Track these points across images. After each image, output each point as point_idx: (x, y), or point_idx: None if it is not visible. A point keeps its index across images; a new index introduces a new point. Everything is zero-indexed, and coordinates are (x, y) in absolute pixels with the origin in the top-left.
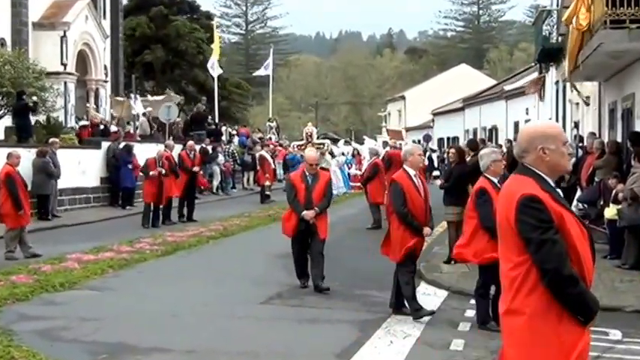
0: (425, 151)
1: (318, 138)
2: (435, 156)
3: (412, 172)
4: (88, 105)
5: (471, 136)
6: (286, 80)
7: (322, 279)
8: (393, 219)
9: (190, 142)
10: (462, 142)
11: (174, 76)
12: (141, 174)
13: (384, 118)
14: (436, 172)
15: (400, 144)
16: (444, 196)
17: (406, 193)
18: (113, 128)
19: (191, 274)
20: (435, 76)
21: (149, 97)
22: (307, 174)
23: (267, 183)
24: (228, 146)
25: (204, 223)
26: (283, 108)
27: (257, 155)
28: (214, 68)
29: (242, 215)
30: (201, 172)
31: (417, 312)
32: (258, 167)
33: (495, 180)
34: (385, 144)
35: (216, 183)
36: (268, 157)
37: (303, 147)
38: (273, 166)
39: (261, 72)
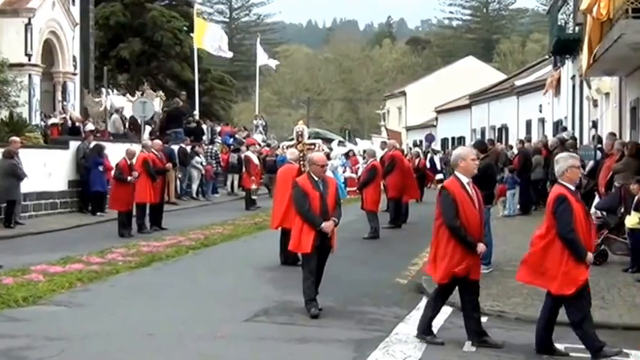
0: (426, 153)
1: (309, 137)
2: (437, 158)
3: (465, 180)
4: (63, 101)
5: (478, 136)
6: (274, 74)
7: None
8: (442, 233)
9: (157, 142)
10: (469, 143)
11: (151, 69)
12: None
13: (382, 116)
14: (439, 176)
15: (399, 144)
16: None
17: (459, 204)
18: (90, 126)
19: (168, 288)
20: (439, 69)
21: (129, 97)
22: (317, 179)
23: (254, 187)
24: (210, 146)
25: (183, 232)
26: (271, 104)
27: (242, 156)
28: (224, 50)
29: (225, 223)
30: (179, 176)
31: (425, 335)
32: (244, 170)
33: (572, 187)
34: (384, 144)
35: (194, 187)
36: (254, 158)
37: (293, 147)
38: (259, 168)
39: (263, 61)
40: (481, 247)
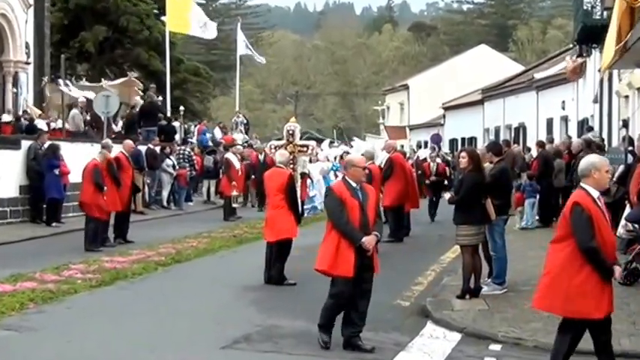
0: (439, 157)
1: (301, 138)
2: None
3: (595, 194)
4: (17, 94)
5: (492, 137)
6: (258, 64)
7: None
8: (572, 257)
9: (129, 142)
10: (482, 145)
11: (114, 57)
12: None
13: (381, 113)
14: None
15: (402, 145)
16: (455, 213)
17: (594, 222)
18: (42, 124)
19: (135, 310)
20: (447, 60)
21: (107, 82)
22: (354, 185)
23: (235, 193)
24: (183, 147)
25: (152, 246)
26: (254, 99)
27: (220, 159)
28: (207, 28)
29: (200, 235)
30: (147, 181)
31: None
32: (222, 174)
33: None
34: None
35: (165, 195)
36: (235, 160)
37: (282, 148)
38: (241, 172)
39: (244, 51)
40: (618, 272)
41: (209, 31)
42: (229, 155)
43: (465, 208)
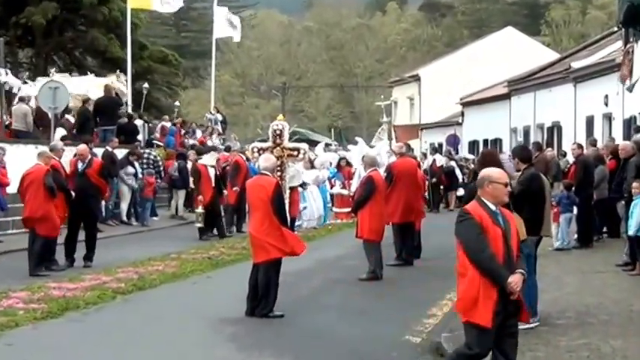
0: (455, 161)
1: (291, 139)
2: (455, 165)
3: None
4: None
5: (520, 139)
6: (237, 50)
7: None
8: None
9: (83, 147)
10: (507, 149)
11: (64, 41)
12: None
13: (385, 110)
14: (461, 191)
15: (412, 148)
16: None
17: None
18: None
19: (88, 347)
20: (466, 45)
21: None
22: (494, 208)
23: (199, 210)
24: (147, 151)
25: (109, 269)
26: (232, 92)
27: (190, 166)
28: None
29: (167, 257)
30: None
31: None
32: (192, 185)
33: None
34: (400, 148)
35: (124, 208)
36: (209, 168)
37: (268, 151)
38: (213, 183)
39: (223, 32)
40: None
41: (173, 2)
42: (206, 161)
43: None
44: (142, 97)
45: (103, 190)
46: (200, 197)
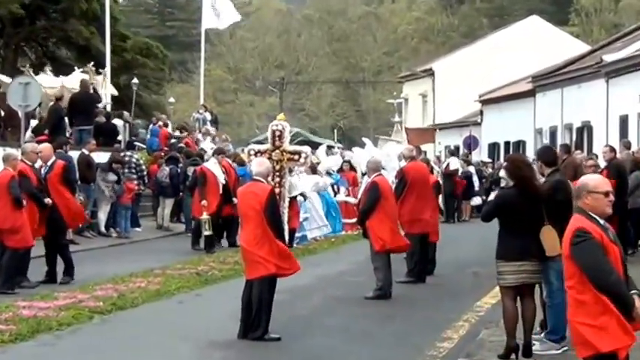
0: (473, 166)
1: (292, 142)
2: (473, 171)
3: None
4: None
5: (545, 141)
6: (229, 41)
7: None
8: None
9: (44, 146)
10: (532, 151)
11: (36, 31)
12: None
13: (396, 109)
14: (477, 200)
15: (424, 151)
16: (499, 243)
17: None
18: None
19: None
20: (486, 36)
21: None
22: (602, 223)
23: (205, 217)
24: (129, 154)
25: (86, 287)
26: (224, 88)
27: (187, 170)
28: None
29: (150, 273)
30: (81, 198)
31: None
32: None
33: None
34: (410, 151)
35: (103, 217)
36: (217, 171)
37: (266, 154)
38: (220, 187)
39: (213, 22)
40: None
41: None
42: (210, 165)
43: (502, 237)
44: (132, 93)
45: (65, 194)
46: (204, 202)
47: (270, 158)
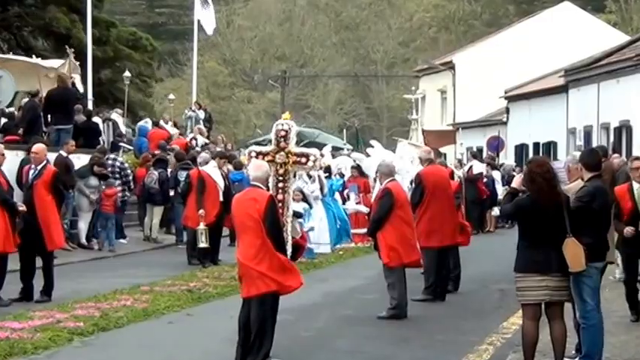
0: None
1: (298, 144)
2: (497, 177)
3: None
4: None
5: (580, 142)
6: (225, 30)
7: None
8: None
9: (39, 146)
10: (569, 155)
11: (8, 19)
12: None
13: (414, 106)
14: (496, 211)
15: (443, 154)
16: (518, 255)
17: None
18: None
19: None
20: (512, 25)
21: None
22: None
23: (202, 227)
24: (112, 156)
25: (65, 305)
26: (219, 82)
27: (188, 174)
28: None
29: (137, 290)
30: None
31: None
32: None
33: None
34: (428, 153)
35: (84, 227)
36: (217, 176)
37: (269, 157)
38: (221, 194)
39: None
40: None
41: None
42: (209, 168)
43: (520, 248)
44: (117, 88)
45: (50, 208)
46: (201, 212)
47: (272, 161)
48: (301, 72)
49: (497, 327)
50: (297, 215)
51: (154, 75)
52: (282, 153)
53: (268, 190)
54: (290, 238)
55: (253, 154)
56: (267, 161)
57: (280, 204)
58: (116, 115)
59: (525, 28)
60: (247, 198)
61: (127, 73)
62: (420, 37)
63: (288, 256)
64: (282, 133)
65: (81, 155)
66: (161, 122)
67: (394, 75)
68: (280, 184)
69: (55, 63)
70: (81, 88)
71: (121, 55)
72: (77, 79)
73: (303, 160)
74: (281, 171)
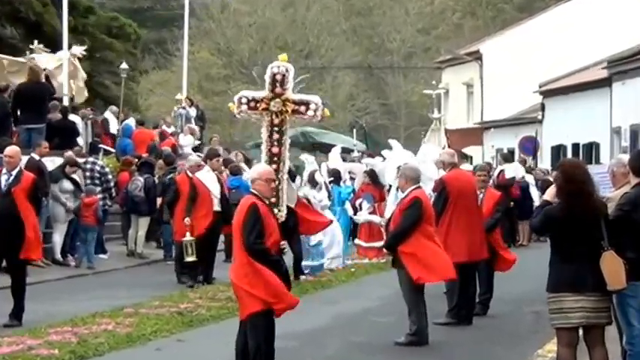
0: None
1: (301, 144)
2: (531, 182)
3: None
4: None
5: (625, 143)
6: (219, 16)
7: None
8: None
9: (12, 149)
10: (606, 157)
11: None
12: None
13: (435, 103)
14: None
15: (469, 157)
16: (550, 272)
17: None
18: None
19: None
20: (547, 9)
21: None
22: None
23: (188, 238)
24: (91, 159)
25: (37, 330)
26: (212, 75)
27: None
28: None
29: (119, 312)
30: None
31: None
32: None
33: None
34: (450, 156)
35: (59, 240)
36: (211, 181)
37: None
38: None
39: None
40: None
41: None
42: (205, 174)
43: (552, 264)
44: (105, 87)
45: (33, 216)
46: (187, 220)
47: (267, 109)
48: (306, 63)
49: (532, 355)
50: (292, 176)
51: (138, 67)
52: (278, 100)
53: (271, 203)
54: (285, 204)
55: (244, 99)
56: (262, 109)
57: (276, 158)
58: (109, 114)
59: (563, 13)
60: (238, 208)
61: (125, 65)
62: (442, 24)
63: (287, 253)
64: (279, 77)
65: (55, 158)
66: (163, 127)
67: (413, 67)
68: (276, 136)
69: (49, 63)
70: (84, 95)
71: (101, 45)
72: (80, 85)
73: (303, 108)
74: (277, 121)
